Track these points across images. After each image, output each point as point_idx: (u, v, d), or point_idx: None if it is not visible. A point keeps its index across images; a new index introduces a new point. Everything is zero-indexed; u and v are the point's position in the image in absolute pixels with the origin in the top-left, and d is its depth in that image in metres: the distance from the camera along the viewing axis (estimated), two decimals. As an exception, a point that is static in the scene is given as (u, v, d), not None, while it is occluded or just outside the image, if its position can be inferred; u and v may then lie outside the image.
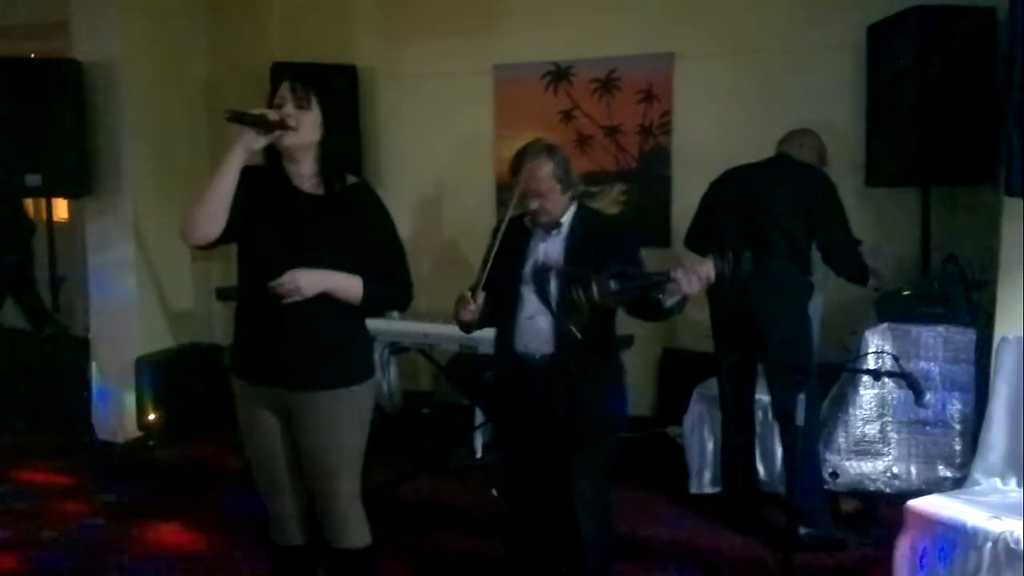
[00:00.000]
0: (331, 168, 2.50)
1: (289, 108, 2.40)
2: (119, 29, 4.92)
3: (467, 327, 2.71)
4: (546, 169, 2.69)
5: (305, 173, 2.49)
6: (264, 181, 2.46)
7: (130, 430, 4.96)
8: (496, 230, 2.71)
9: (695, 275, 2.37)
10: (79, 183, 4.80)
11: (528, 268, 2.73)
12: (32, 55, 5.34)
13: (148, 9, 5.05)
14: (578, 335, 2.53)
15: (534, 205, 2.70)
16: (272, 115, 2.37)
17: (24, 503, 4.27)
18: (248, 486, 2.69)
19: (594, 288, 2.47)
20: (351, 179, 2.55)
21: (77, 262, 5.27)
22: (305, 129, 2.42)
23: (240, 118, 2.32)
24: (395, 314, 4.51)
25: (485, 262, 2.66)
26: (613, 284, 2.45)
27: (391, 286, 2.54)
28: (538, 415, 2.74)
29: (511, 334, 2.74)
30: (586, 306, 2.49)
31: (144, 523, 4.02)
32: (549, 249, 2.74)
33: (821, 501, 3.49)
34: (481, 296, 2.61)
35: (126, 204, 4.97)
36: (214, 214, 2.36)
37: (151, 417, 4.90)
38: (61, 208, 5.99)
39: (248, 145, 2.35)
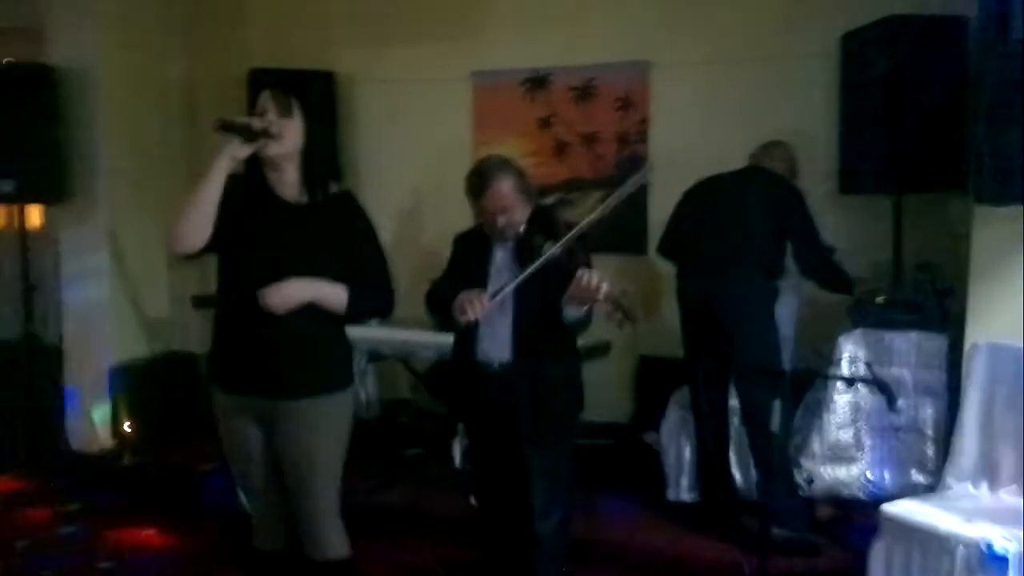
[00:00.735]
0: (314, 177, 2.50)
1: (272, 116, 2.40)
2: (94, 34, 4.89)
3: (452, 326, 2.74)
4: (508, 184, 2.72)
5: (287, 181, 2.49)
6: (246, 190, 2.45)
7: (104, 439, 4.91)
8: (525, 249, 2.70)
9: (593, 279, 2.41)
10: (53, 189, 4.77)
11: (489, 276, 2.78)
12: (5, 60, 5.30)
13: (124, 15, 5.02)
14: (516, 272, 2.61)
15: (502, 222, 2.73)
16: (256, 124, 2.37)
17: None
18: (224, 495, 2.68)
19: (548, 243, 2.56)
20: (334, 188, 2.55)
21: (51, 269, 5.21)
22: (288, 137, 2.43)
23: (229, 127, 2.33)
24: (374, 321, 4.50)
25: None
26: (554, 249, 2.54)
27: (374, 295, 2.55)
28: (499, 419, 2.81)
29: (471, 342, 2.80)
30: (536, 251, 2.58)
31: (119, 531, 3.97)
32: (506, 254, 2.80)
33: (794, 503, 3.52)
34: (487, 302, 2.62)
35: (101, 211, 4.94)
36: (200, 223, 2.36)
37: (126, 426, 4.85)
38: (34, 215, 5.92)
39: (233, 153, 2.35)
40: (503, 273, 2.77)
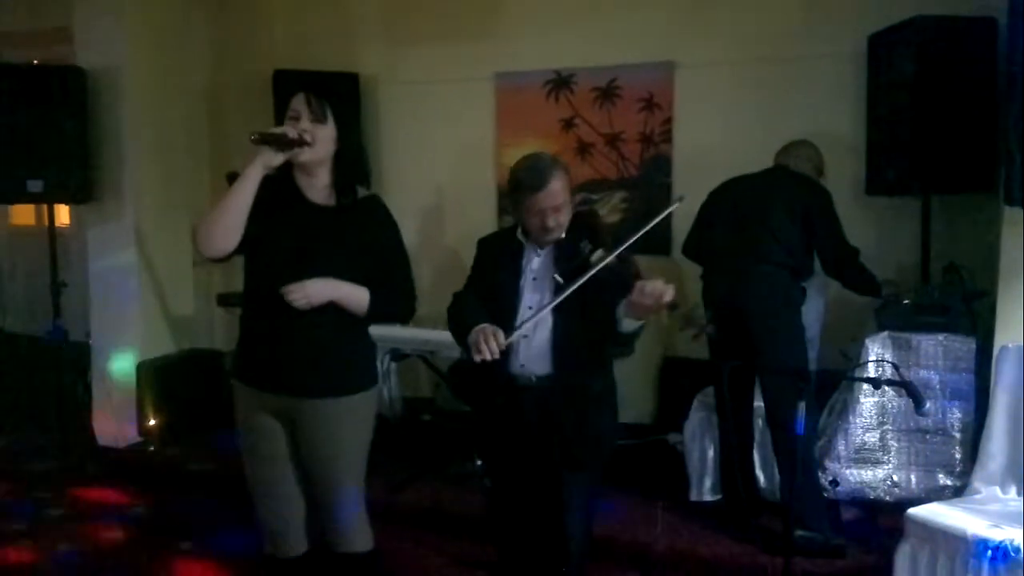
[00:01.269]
0: (345, 181, 2.52)
1: (305, 123, 2.42)
2: (122, 36, 4.93)
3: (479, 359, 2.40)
4: (562, 183, 2.53)
5: (318, 185, 2.51)
6: (274, 191, 2.47)
7: (131, 435, 4.97)
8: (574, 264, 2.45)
9: (658, 287, 2.24)
10: (81, 189, 4.81)
11: (523, 282, 2.58)
12: (35, 62, 5.37)
13: (151, 16, 5.07)
14: (559, 280, 2.41)
15: (552, 223, 2.52)
16: (291, 132, 2.39)
17: (24, 506, 4.26)
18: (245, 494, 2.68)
19: (599, 252, 2.39)
20: (362, 192, 2.57)
21: (79, 268, 5.28)
22: (321, 144, 2.44)
23: (265, 139, 2.35)
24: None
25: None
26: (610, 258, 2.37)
27: (396, 298, 2.56)
28: (534, 436, 2.59)
29: (507, 353, 2.50)
30: (583, 257, 2.41)
31: (146, 527, 4.02)
32: (543, 260, 2.59)
33: (818, 505, 3.50)
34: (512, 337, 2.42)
35: (128, 210, 4.99)
36: (231, 228, 2.39)
37: (152, 422, 4.91)
38: (63, 214, 6.00)
39: (267, 162, 2.38)
40: (540, 282, 2.56)
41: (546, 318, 2.48)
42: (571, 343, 2.52)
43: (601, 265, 2.36)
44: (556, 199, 2.50)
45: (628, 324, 2.38)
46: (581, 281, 2.36)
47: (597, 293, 2.40)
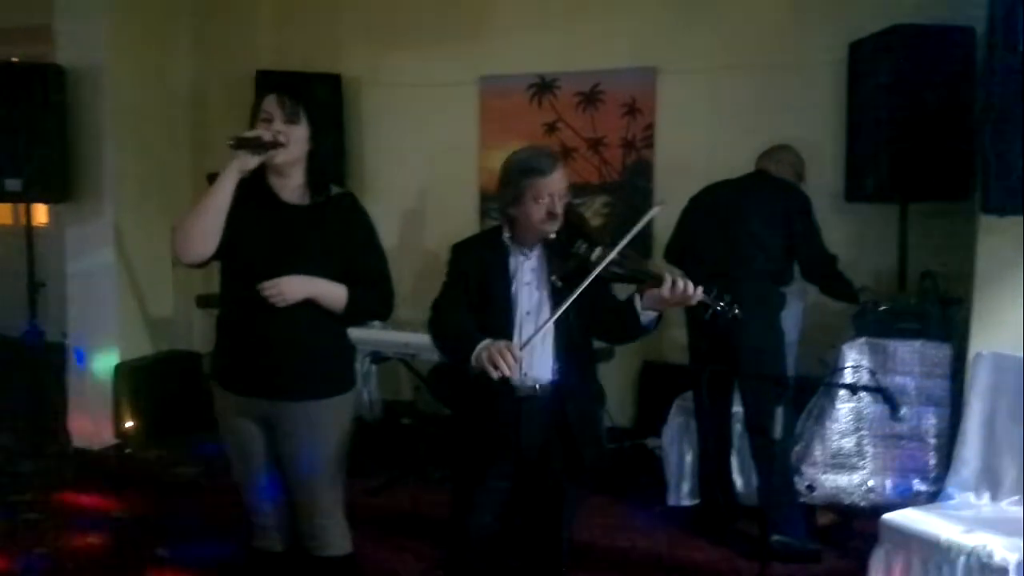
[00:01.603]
0: (318, 180, 2.52)
1: (279, 124, 2.42)
2: (103, 34, 4.90)
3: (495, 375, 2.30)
4: (564, 171, 2.49)
5: (291, 185, 2.51)
6: (248, 192, 2.46)
7: (107, 437, 4.92)
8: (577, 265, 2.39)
9: (682, 285, 2.26)
10: (60, 188, 4.77)
11: (515, 288, 2.48)
12: (14, 59, 5.32)
13: (133, 15, 5.04)
14: (558, 283, 2.40)
15: (559, 209, 2.45)
16: (266, 135, 2.39)
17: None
18: (226, 494, 2.68)
19: (598, 250, 2.36)
20: (336, 189, 2.56)
21: (56, 267, 5.23)
22: (295, 144, 2.44)
23: (242, 144, 2.35)
24: (377, 323, 4.50)
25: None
26: (612, 255, 2.34)
27: (374, 295, 2.55)
28: (535, 445, 2.49)
29: None
30: (581, 257, 2.37)
31: (122, 532, 3.98)
32: (532, 262, 2.52)
33: (794, 510, 3.52)
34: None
35: (107, 210, 4.95)
36: (209, 232, 2.39)
37: (128, 424, 4.87)
38: (40, 213, 5.94)
39: (242, 165, 2.39)
40: (533, 286, 2.48)
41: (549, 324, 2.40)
42: (573, 347, 2.47)
43: (605, 262, 2.32)
44: (563, 184, 2.46)
45: (646, 316, 2.35)
46: (589, 280, 2.31)
47: (598, 292, 2.38)
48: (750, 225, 3.60)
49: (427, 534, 3.83)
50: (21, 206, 5.07)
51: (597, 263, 2.32)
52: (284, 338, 2.43)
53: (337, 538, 2.60)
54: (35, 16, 5.35)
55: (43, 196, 4.93)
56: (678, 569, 3.50)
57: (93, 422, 4.93)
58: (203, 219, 2.38)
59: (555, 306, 2.38)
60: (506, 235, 2.54)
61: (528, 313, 2.47)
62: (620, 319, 2.40)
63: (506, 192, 2.50)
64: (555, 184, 2.44)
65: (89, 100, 4.86)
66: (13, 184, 4.61)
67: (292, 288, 2.39)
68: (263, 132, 2.40)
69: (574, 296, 2.31)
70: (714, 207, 3.76)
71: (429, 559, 3.65)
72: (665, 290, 2.27)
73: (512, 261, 2.51)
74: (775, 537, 3.34)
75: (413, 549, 3.74)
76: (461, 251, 2.60)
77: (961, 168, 3.71)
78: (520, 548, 2.71)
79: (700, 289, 2.29)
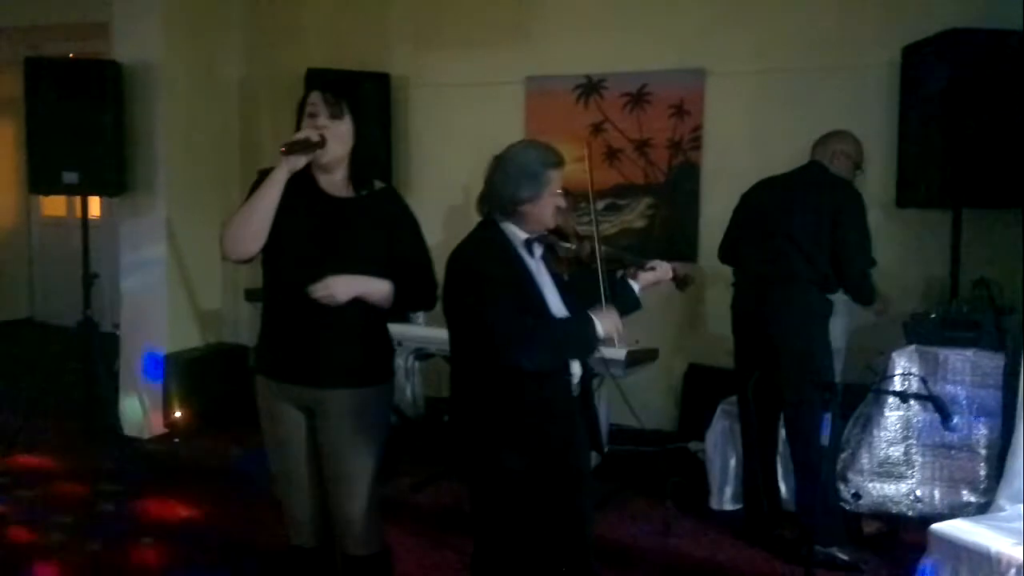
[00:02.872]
0: (361, 174, 2.55)
1: (323, 120, 2.45)
2: (159, 32, 5.01)
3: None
4: None
5: (336, 179, 2.53)
6: (292, 185, 2.49)
7: (156, 426, 5.02)
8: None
9: (664, 265, 2.63)
10: (115, 182, 4.88)
11: (540, 284, 2.48)
12: (72, 56, 5.46)
13: (187, 14, 5.15)
14: (565, 277, 2.55)
15: (564, 202, 2.53)
16: (314, 136, 2.42)
17: (30, 491, 4.28)
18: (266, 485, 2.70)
19: (586, 243, 2.53)
20: (378, 184, 2.59)
21: (108, 260, 5.34)
22: (339, 140, 2.47)
23: (293, 149, 2.39)
24: (420, 320, 4.55)
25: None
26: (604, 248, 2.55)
27: (418, 288, 2.57)
28: (580, 439, 2.56)
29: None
30: (575, 248, 2.53)
31: (167, 515, 4.06)
32: (536, 259, 2.52)
33: (836, 520, 3.48)
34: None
35: (159, 204, 5.06)
36: (257, 232, 2.42)
37: (177, 414, 4.96)
38: (94, 206, 6.08)
39: (292, 166, 2.41)
40: (546, 280, 2.52)
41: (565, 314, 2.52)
42: None
43: (603, 257, 2.52)
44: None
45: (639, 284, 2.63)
46: (605, 273, 2.52)
47: (585, 283, 2.53)
48: (794, 230, 3.50)
49: (467, 531, 3.85)
50: (77, 199, 5.18)
51: (596, 257, 2.51)
52: (327, 326, 2.45)
53: (371, 535, 2.60)
54: (93, 14, 5.49)
55: (98, 189, 5.03)
56: (719, 572, 3.49)
57: (141, 412, 5.04)
58: (253, 219, 2.41)
59: (564, 296, 2.51)
60: (514, 232, 2.50)
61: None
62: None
63: (526, 185, 2.45)
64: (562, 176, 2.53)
65: (144, 96, 4.98)
66: (70, 177, 4.72)
67: (342, 288, 2.41)
68: (310, 133, 2.43)
69: (606, 284, 2.49)
70: (760, 209, 3.69)
71: (469, 556, 3.66)
72: (660, 271, 2.62)
73: (524, 260, 2.48)
74: (817, 548, 3.31)
75: (455, 545, 3.76)
76: (486, 260, 2.44)
77: (1016, 174, 3.65)
78: (550, 545, 2.71)
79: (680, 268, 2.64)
